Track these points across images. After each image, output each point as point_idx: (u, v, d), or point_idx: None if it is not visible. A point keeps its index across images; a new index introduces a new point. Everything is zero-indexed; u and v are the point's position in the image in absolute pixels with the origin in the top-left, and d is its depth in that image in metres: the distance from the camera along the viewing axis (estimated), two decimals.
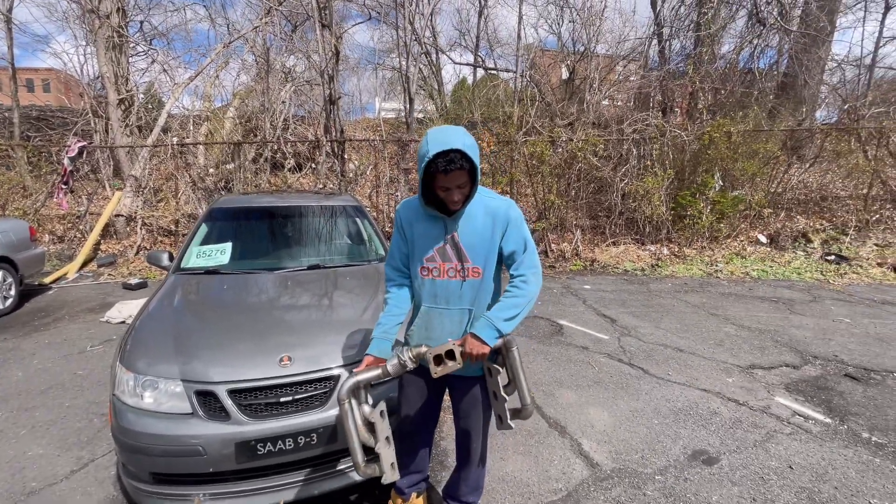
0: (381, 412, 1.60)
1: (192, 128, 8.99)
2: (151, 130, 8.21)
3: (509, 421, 1.57)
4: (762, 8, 9.98)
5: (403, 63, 9.93)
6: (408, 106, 10.02)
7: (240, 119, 9.34)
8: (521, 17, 10.79)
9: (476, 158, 1.48)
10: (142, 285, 6.02)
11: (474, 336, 1.53)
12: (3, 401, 3.07)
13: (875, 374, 3.50)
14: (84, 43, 9.36)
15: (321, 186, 8.33)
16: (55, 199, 7.59)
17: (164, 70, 9.27)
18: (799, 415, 2.91)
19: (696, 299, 5.55)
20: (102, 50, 7.65)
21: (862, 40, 12.82)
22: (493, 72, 13.61)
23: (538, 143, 7.70)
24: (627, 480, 2.29)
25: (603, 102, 11.11)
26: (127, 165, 7.86)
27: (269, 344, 2.10)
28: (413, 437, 1.85)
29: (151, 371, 1.98)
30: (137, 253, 7.23)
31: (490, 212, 1.62)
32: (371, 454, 1.55)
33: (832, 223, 8.20)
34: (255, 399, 1.92)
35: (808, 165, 9.05)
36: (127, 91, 8.36)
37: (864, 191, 8.21)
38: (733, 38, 11.19)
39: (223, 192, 8.01)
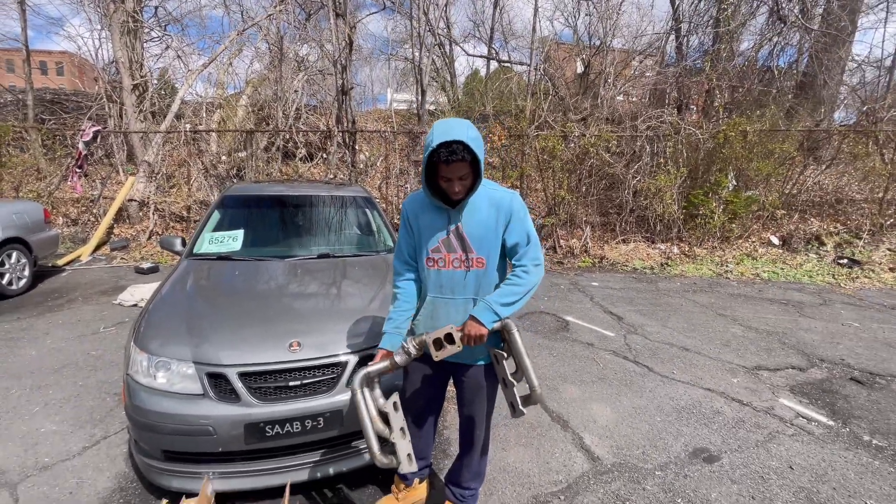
0: (395, 403, 1.64)
1: (204, 115, 9.05)
2: (165, 117, 8.28)
3: (521, 407, 1.59)
4: (783, 5, 9.76)
5: (416, 54, 9.88)
6: (419, 97, 9.99)
7: (252, 107, 9.38)
8: (536, 9, 10.66)
9: (479, 151, 1.50)
10: (153, 270, 6.12)
11: (473, 318, 1.58)
12: (17, 378, 3.16)
13: (881, 378, 3.47)
14: (99, 27, 9.44)
15: (332, 177, 8.37)
16: (69, 183, 7.70)
17: (178, 56, 9.32)
18: (802, 416, 2.90)
19: (704, 299, 5.52)
20: (117, 34, 7.72)
21: (883, 42, 12.61)
22: (506, 64, 13.49)
23: (550, 137, 7.64)
24: (627, 475, 2.32)
25: (617, 98, 10.99)
26: (140, 151, 7.95)
27: (278, 329, 2.14)
28: (417, 424, 1.88)
29: (164, 352, 2.03)
30: (150, 238, 7.34)
31: (494, 203, 1.64)
32: (387, 444, 1.60)
33: (846, 226, 8.08)
34: (265, 382, 1.97)
35: (824, 167, 8.89)
36: (141, 76, 8.43)
37: (880, 195, 8.06)
38: (753, 35, 10.97)
39: (235, 180, 8.08)
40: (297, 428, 1.94)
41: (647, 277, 6.61)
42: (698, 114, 9.84)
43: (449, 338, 1.58)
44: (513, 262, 1.69)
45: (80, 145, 7.46)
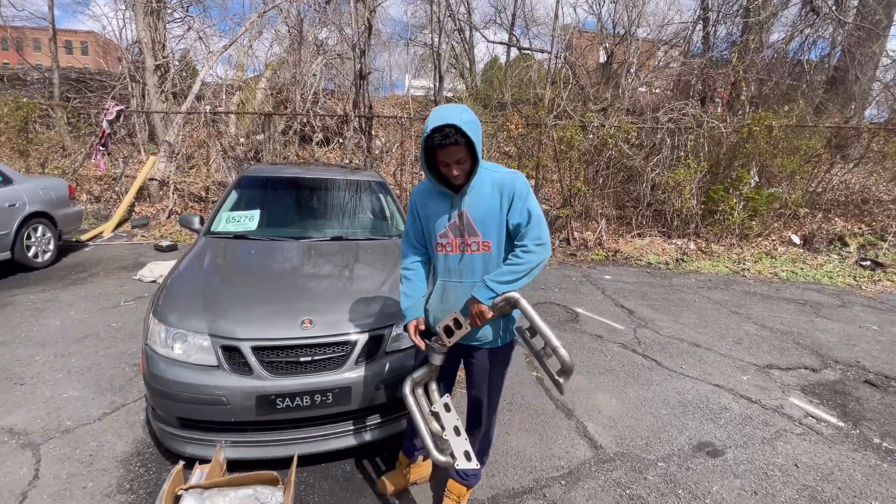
0: (446, 405, 1.71)
1: (224, 97, 9.14)
2: (186, 98, 8.39)
3: (558, 378, 1.60)
4: None
5: (435, 39, 9.78)
6: (437, 83, 9.91)
7: (271, 90, 9.44)
8: None
9: (472, 134, 1.50)
10: (172, 248, 6.27)
11: (472, 297, 1.63)
12: (42, 346, 3.30)
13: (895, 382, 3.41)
14: (123, 7, 9.55)
15: (347, 162, 8.40)
16: (93, 161, 7.89)
17: (200, 38, 9.40)
18: (812, 416, 2.87)
19: (718, 296, 5.44)
20: (141, 15, 7.81)
21: None
22: (527, 52, 13.27)
23: (568, 127, 7.54)
24: (629, 464, 2.33)
25: (640, 89, 10.74)
26: (161, 131, 8.09)
27: (291, 307, 2.19)
28: None
29: (182, 325, 2.10)
30: (169, 217, 7.50)
31: (497, 185, 1.64)
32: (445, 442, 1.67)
33: (871, 227, 7.84)
34: (277, 357, 2.03)
35: (851, 166, 8.62)
36: (163, 57, 8.53)
37: None
38: (784, 26, 10.58)
39: (252, 162, 8.18)
40: (307, 402, 2.00)
41: (661, 272, 6.53)
42: (723, 107, 9.57)
43: (456, 323, 1.65)
44: (515, 241, 1.67)
45: (104, 124, 7.62)
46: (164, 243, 6.31)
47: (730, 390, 3.19)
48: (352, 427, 2.14)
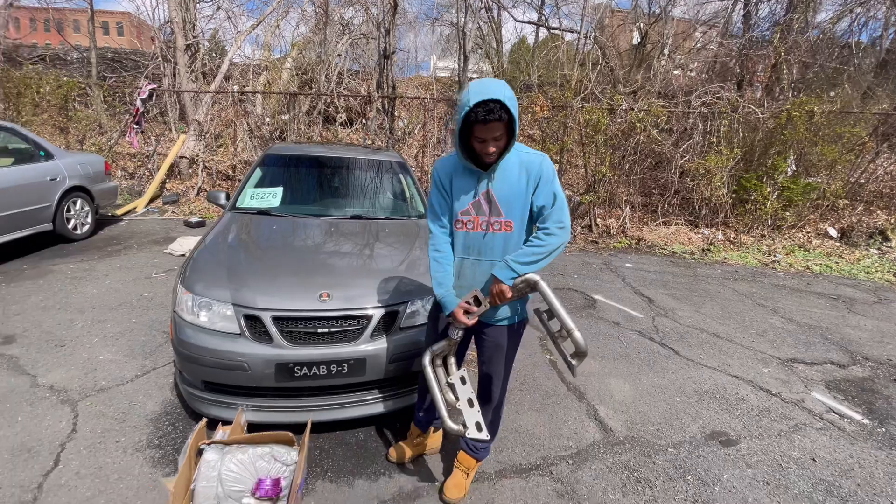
0: (462, 377, 1.77)
1: (251, 77, 9.27)
2: (215, 77, 8.55)
3: (572, 361, 1.62)
4: None
5: (461, 18, 9.60)
6: (461, 64, 9.77)
7: (296, 70, 9.50)
8: None
9: (515, 112, 1.49)
10: (201, 224, 6.48)
11: (493, 276, 1.64)
12: (80, 312, 3.50)
13: None
14: None
15: (369, 142, 8.43)
16: (127, 138, 8.17)
17: (229, 17, 9.50)
18: (834, 412, 2.80)
19: (744, 288, 5.29)
20: None
21: None
22: (556, 32, 12.88)
23: (595, 110, 7.34)
24: (639, 448, 2.34)
25: (675, 72, 10.32)
26: (191, 110, 8.29)
27: (311, 281, 2.26)
28: None
29: (207, 293, 2.20)
30: (198, 194, 7.73)
31: (525, 165, 1.64)
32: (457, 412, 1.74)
33: None
34: (296, 328, 2.10)
35: None
36: (194, 37, 8.67)
37: None
38: (833, 5, 9.93)
39: (276, 142, 8.31)
40: (323, 371, 2.08)
41: (685, 262, 6.38)
42: (762, 91, 9.12)
43: (476, 300, 1.68)
44: (538, 223, 1.68)
45: (137, 102, 7.85)
46: (194, 219, 6.53)
47: (749, 382, 3.13)
48: (366, 397, 2.21)
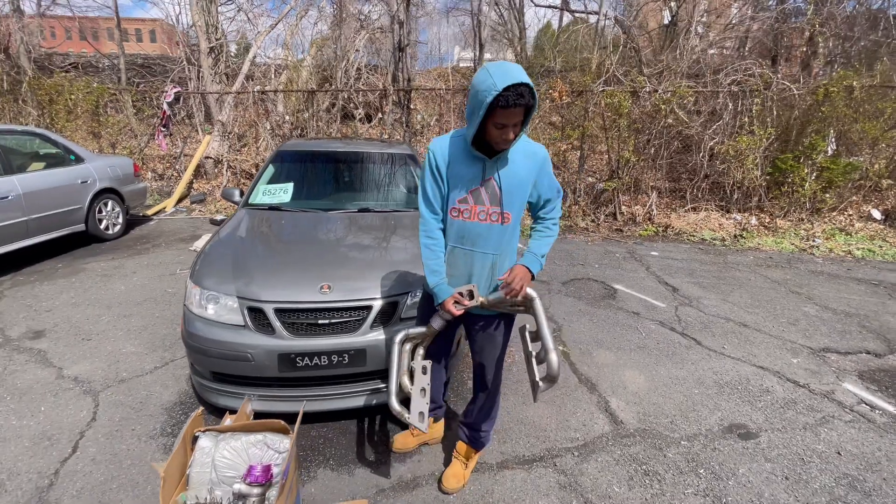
0: (424, 367, 1.75)
1: (273, 76, 9.44)
2: (237, 78, 8.76)
3: (539, 383, 1.57)
4: None
5: (475, 5, 9.43)
6: (477, 52, 9.62)
7: (316, 68, 9.61)
8: None
9: (535, 97, 1.45)
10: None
11: (524, 267, 1.63)
12: (107, 307, 3.67)
13: None
14: None
15: (386, 137, 8.46)
16: (156, 141, 8.50)
17: (248, 19, 9.70)
18: (865, 403, 2.61)
19: (778, 275, 5.02)
20: None
21: None
22: (580, 14, 12.49)
23: (616, 93, 7.09)
24: (650, 441, 2.26)
25: (710, 51, 9.80)
26: (216, 111, 8.53)
27: (312, 273, 2.29)
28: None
29: (214, 287, 2.26)
30: None
31: (529, 156, 1.61)
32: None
33: None
34: (297, 319, 2.13)
35: None
36: (216, 39, 8.90)
37: None
38: None
39: (296, 139, 8.45)
40: (325, 362, 2.10)
41: (715, 249, 6.11)
42: (798, 66, 8.57)
43: (470, 294, 1.65)
44: (540, 214, 1.72)
45: (164, 106, 8.15)
46: (219, 217, 6.68)
47: (775, 373, 2.97)
48: (368, 387, 2.22)
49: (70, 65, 11.48)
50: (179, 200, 7.62)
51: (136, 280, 4.29)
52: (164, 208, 7.29)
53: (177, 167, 8.42)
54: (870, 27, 8.12)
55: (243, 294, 2.19)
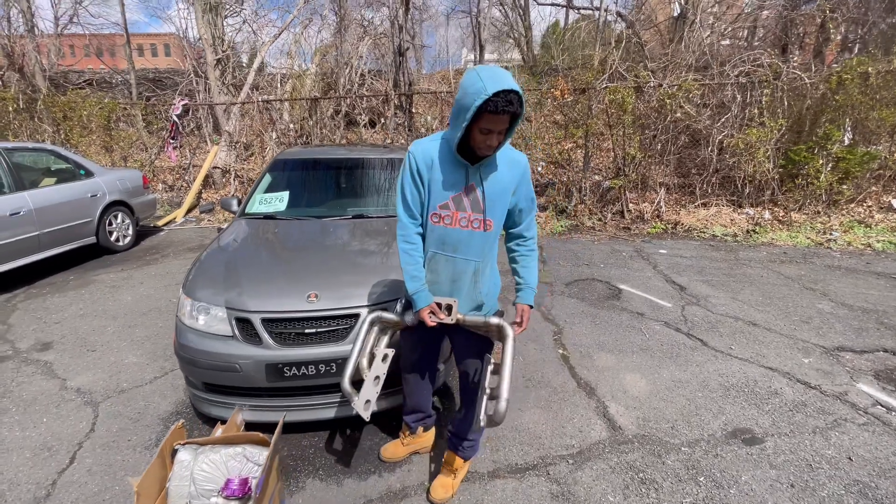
0: (385, 356, 1.72)
1: (278, 86, 9.56)
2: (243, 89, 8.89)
3: (482, 422, 1.51)
4: None
5: (474, 7, 9.40)
6: (477, 53, 9.59)
7: (320, 76, 9.70)
8: None
9: (523, 106, 1.43)
10: None
11: (526, 305, 1.71)
12: (113, 318, 3.74)
13: None
14: (185, 7, 10.24)
15: (389, 142, 8.48)
16: (165, 153, 8.67)
17: (253, 31, 9.85)
18: (881, 405, 2.49)
19: (792, 271, 4.86)
20: (200, 12, 8.32)
21: None
22: (578, 10, 12.35)
23: (619, 89, 6.97)
24: (649, 448, 2.18)
25: (722, 42, 9.57)
26: (223, 122, 8.67)
27: (300, 282, 2.28)
28: (414, 378, 1.93)
29: (205, 298, 2.27)
30: None
31: (511, 164, 1.60)
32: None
33: None
34: (285, 328, 2.12)
35: None
36: (223, 51, 9.05)
37: None
38: None
39: (302, 147, 8.53)
40: (312, 371, 2.09)
41: (726, 245, 5.96)
42: (808, 54, 8.31)
43: (448, 309, 1.61)
44: (516, 230, 1.70)
45: (173, 118, 8.31)
46: (226, 226, 6.83)
47: (785, 374, 2.86)
48: None
49: (84, 81, 11.83)
50: (189, 211, 7.75)
51: (143, 290, 4.37)
52: (174, 219, 7.42)
53: (186, 178, 8.58)
54: (886, 10, 7.82)
55: (232, 304, 2.20)
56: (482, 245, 1.63)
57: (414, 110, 8.78)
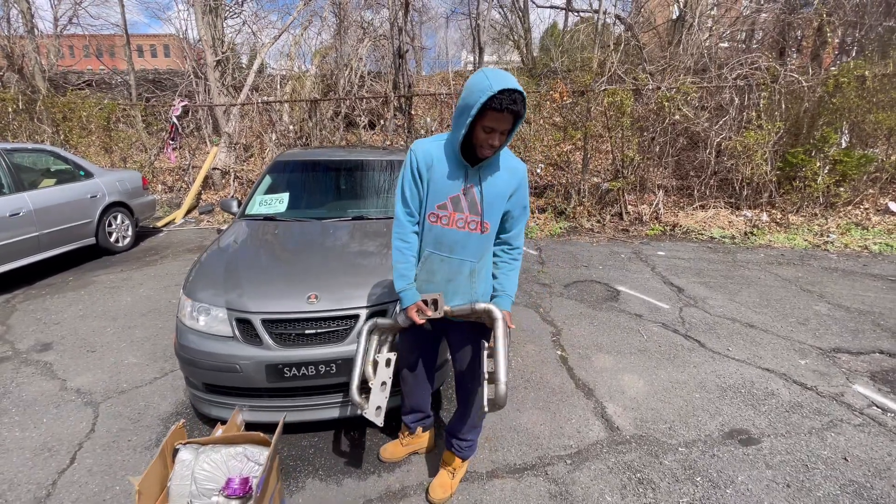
0: (388, 360, 1.74)
1: (278, 87, 9.58)
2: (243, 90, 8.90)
3: (485, 408, 1.52)
4: None
5: (473, 9, 9.43)
6: (476, 55, 9.62)
7: (319, 77, 9.72)
8: None
9: (526, 108, 1.46)
10: None
11: (505, 311, 1.66)
12: (113, 319, 3.74)
13: None
14: (184, 8, 10.26)
15: (388, 143, 8.50)
16: (165, 154, 8.68)
17: (253, 33, 9.86)
18: (876, 406, 2.51)
19: (789, 273, 4.89)
20: (200, 14, 8.34)
21: None
22: (577, 13, 12.41)
23: (617, 91, 7.01)
24: (646, 448, 2.20)
25: (720, 45, 9.62)
26: (223, 123, 8.68)
27: (300, 283, 2.29)
28: (413, 379, 1.94)
29: (205, 299, 2.28)
30: None
31: (510, 168, 1.62)
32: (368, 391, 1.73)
33: None
34: (285, 329, 2.14)
35: None
36: (223, 53, 9.07)
37: None
38: None
39: (301, 148, 8.54)
40: (312, 371, 2.10)
41: (724, 247, 5.98)
42: (805, 57, 8.36)
43: (435, 303, 1.62)
44: (504, 236, 1.71)
45: (173, 119, 8.33)
46: (226, 227, 6.84)
47: (781, 375, 2.88)
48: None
49: (84, 82, 11.83)
50: (188, 211, 7.75)
51: (143, 291, 4.37)
52: (174, 220, 7.43)
53: (185, 179, 8.58)
54: (883, 13, 7.87)
55: (232, 305, 2.21)
56: (478, 246, 1.64)
57: (413, 112, 8.80)
